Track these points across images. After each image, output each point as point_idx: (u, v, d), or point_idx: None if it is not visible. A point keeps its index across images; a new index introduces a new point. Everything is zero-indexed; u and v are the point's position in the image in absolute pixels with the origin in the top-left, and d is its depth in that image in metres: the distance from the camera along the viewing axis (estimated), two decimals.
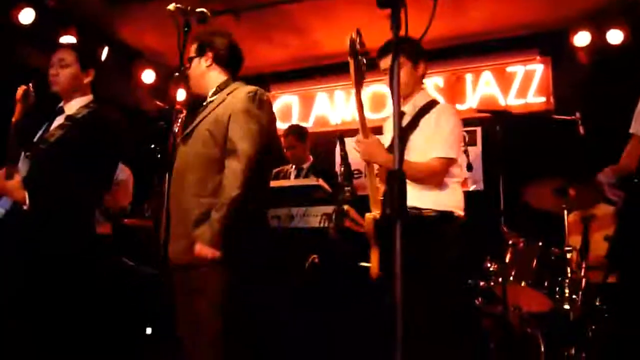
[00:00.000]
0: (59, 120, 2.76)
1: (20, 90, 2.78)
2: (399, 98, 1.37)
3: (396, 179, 1.21)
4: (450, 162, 2.65)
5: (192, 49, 2.64)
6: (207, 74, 2.63)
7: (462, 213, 2.68)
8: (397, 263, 1.17)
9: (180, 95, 3.09)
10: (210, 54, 2.62)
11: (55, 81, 2.77)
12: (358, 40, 2.33)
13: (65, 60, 2.77)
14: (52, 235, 2.50)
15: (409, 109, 2.77)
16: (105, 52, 5.18)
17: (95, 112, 2.77)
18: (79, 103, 2.80)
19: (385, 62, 2.81)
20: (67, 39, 4.91)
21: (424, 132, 2.60)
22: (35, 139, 2.74)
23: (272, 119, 2.56)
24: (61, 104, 2.85)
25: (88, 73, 2.83)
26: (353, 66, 2.40)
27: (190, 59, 2.62)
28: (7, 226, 2.59)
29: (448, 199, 2.64)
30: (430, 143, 2.60)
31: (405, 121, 2.68)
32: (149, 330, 4.17)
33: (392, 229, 1.19)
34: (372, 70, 5.83)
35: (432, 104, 2.64)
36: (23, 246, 2.51)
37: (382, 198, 2.46)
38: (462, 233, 2.64)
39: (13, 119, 2.73)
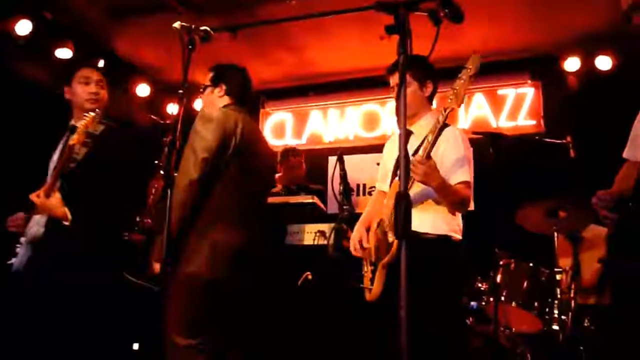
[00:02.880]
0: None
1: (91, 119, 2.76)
2: (405, 121, 1.41)
3: (403, 200, 1.24)
4: (470, 186, 2.67)
5: (208, 77, 2.88)
6: (216, 102, 2.83)
7: (459, 236, 2.69)
8: (403, 283, 1.20)
9: (174, 110, 3.18)
10: (223, 87, 2.85)
11: (96, 99, 2.94)
12: None
13: (103, 82, 2.99)
14: (93, 249, 2.64)
15: (417, 130, 2.76)
16: (101, 64, 5.19)
17: (111, 128, 2.92)
18: None
19: (395, 79, 2.81)
20: (63, 52, 4.93)
21: (439, 156, 2.59)
22: (55, 157, 2.86)
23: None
24: (72, 122, 2.96)
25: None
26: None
27: (205, 87, 2.86)
28: (46, 242, 2.71)
29: (447, 223, 2.64)
30: (452, 168, 2.60)
31: (413, 142, 2.69)
32: (135, 346, 4.14)
33: (398, 249, 1.22)
34: (364, 89, 5.93)
35: (442, 126, 2.66)
36: (63, 261, 2.62)
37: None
38: (460, 256, 2.65)
39: (72, 142, 2.68)
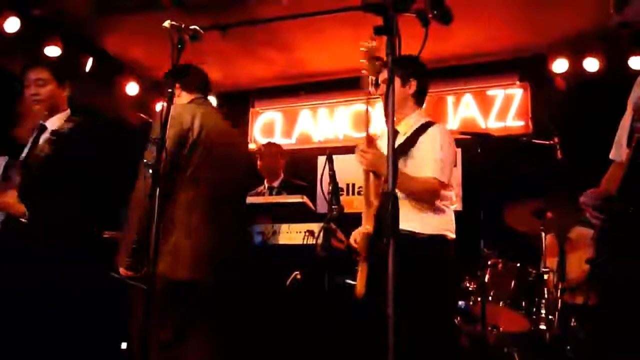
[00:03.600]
0: (45, 136, 2.82)
1: None
2: (393, 120, 1.42)
3: (390, 199, 1.25)
4: (442, 185, 2.66)
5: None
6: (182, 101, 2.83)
7: (453, 235, 2.70)
8: (390, 280, 1.20)
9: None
10: (177, 86, 2.83)
11: (37, 100, 2.86)
12: (373, 48, 2.39)
13: (42, 78, 2.86)
14: (51, 248, 2.58)
15: (403, 128, 2.78)
16: (89, 62, 5.17)
17: (79, 126, 2.86)
18: (60, 118, 2.89)
19: (381, 75, 2.83)
20: (52, 49, 4.90)
21: (420, 152, 2.62)
22: (22, 157, 2.82)
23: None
24: (41, 121, 2.91)
25: (65, 88, 2.93)
26: (369, 75, 2.46)
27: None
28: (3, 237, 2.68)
29: (439, 222, 2.66)
30: (424, 163, 2.63)
31: (399, 141, 2.71)
32: (124, 345, 4.12)
33: (387, 247, 1.23)
34: (353, 89, 5.94)
35: (427, 124, 2.68)
36: (20, 257, 2.57)
37: (375, 214, 2.48)
38: (453, 256, 2.66)
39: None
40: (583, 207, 1.86)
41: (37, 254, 2.57)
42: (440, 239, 2.64)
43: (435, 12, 1.65)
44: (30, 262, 2.56)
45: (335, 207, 2.55)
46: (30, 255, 2.58)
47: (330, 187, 2.59)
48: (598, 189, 1.96)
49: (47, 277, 2.56)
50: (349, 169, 5.41)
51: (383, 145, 2.97)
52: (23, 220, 2.61)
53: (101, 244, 2.98)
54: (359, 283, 2.56)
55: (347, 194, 5.72)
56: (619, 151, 2.02)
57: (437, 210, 2.66)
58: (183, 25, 2.18)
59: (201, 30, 2.24)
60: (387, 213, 1.26)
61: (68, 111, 2.94)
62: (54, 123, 2.88)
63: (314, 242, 3.31)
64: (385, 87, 1.46)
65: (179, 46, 2.15)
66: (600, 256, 1.76)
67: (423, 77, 2.84)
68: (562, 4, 4.49)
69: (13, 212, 2.63)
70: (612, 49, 4.89)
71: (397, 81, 2.78)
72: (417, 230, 2.58)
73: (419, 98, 2.88)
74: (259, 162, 4.67)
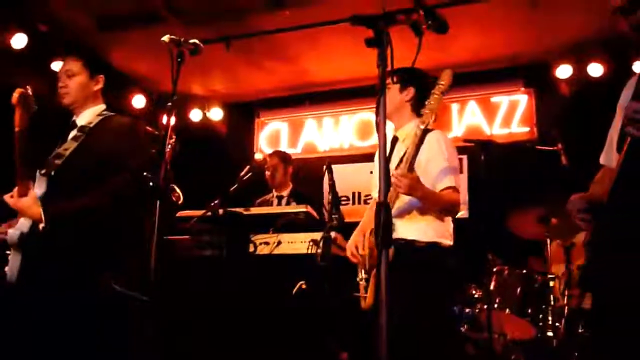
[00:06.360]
0: (73, 133, 2.66)
1: (16, 94, 2.50)
2: (384, 131, 1.43)
3: (383, 209, 1.26)
4: (457, 191, 2.65)
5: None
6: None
7: (448, 242, 2.69)
8: (383, 289, 1.21)
9: (171, 122, 3.09)
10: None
11: (64, 93, 2.67)
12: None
13: (71, 70, 2.68)
14: (68, 257, 2.40)
15: (402, 135, 2.78)
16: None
17: (108, 118, 2.68)
18: (91, 113, 2.70)
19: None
20: (59, 65, 4.96)
21: (425, 162, 2.62)
22: (50, 157, 2.61)
23: None
24: (73, 118, 2.74)
25: (97, 80, 2.73)
26: None
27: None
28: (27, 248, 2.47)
29: (435, 230, 2.65)
30: (437, 175, 2.62)
31: (400, 148, 2.71)
32: None
33: (378, 257, 1.24)
34: (358, 98, 5.95)
35: (425, 132, 2.68)
36: (39, 266, 2.42)
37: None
38: (450, 263, 2.64)
39: (16, 128, 2.47)
40: (569, 213, 1.86)
41: (50, 266, 2.39)
42: (436, 246, 2.62)
43: (429, 22, 1.66)
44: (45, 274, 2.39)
45: (335, 216, 2.55)
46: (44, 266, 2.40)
47: (330, 197, 2.60)
48: (582, 193, 1.96)
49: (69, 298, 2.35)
50: (354, 178, 5.47)
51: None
52: (41, 225, 2.39)
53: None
54: (369, 295, 2.54)
55: (353, 202, 5.73)
56: (609, 155, 2.01)
57: (436, 218, 2.66)
58: (182, 39, 2.20)
59: (201, 44, 2.26)
60: (379, 222, 1.27)
61: (102, 105, 2.74)
62: (84, 118, 2.69)
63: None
64: (377, 98, 1.46)
65: (179, 60, 2.17)
66: (590, 261, 1.76)
67: (422, 87, 2.83)
68: (565, 10, 4.50)
69: (29, 215, 2.41)
70: (616, 54, 4.88)
71: (396, 87, 2.81)
72: (414, 239, 2.57)
73: (416, 106, 2.82)
74: (266, 173, 4.67)
